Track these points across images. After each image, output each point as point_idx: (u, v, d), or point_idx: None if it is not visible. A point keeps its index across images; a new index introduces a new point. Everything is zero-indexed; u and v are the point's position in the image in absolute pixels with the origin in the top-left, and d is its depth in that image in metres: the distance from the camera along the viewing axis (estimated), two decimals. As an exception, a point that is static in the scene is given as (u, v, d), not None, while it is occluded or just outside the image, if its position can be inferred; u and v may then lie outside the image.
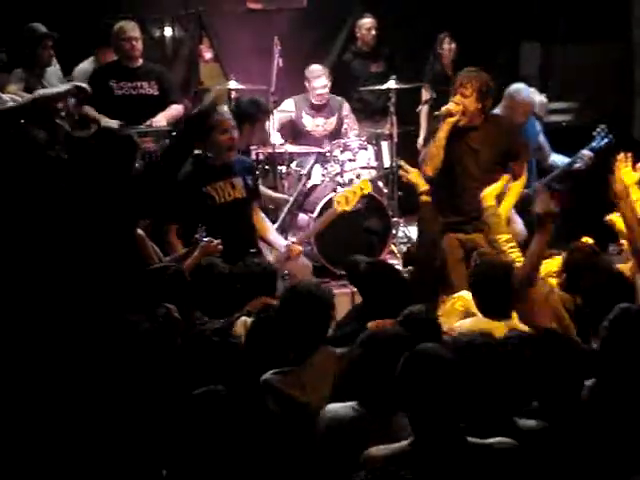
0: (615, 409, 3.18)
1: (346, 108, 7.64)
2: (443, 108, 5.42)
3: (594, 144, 6.56)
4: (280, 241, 5.64)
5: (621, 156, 4.69)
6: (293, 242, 5.63)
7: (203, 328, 3.81)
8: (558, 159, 6.77)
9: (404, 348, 3.00)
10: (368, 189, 5.78)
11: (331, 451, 3.15)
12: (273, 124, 7.05)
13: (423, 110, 8.09)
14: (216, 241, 4.89)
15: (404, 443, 2.91)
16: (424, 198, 4.85)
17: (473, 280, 4.34)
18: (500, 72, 8.43)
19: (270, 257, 5.45)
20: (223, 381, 3.17)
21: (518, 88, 6.50)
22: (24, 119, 5.45)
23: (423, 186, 4.86)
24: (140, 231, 4.84)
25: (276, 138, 7.10)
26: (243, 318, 4.13)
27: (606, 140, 6.52)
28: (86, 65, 7.14)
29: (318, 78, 7.45)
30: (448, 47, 8.11)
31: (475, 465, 2.85)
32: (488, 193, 4.87)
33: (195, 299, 4.30)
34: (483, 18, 8.50)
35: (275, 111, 7.13)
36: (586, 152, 6.60)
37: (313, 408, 3.35)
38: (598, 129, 6.57)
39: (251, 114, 6.29)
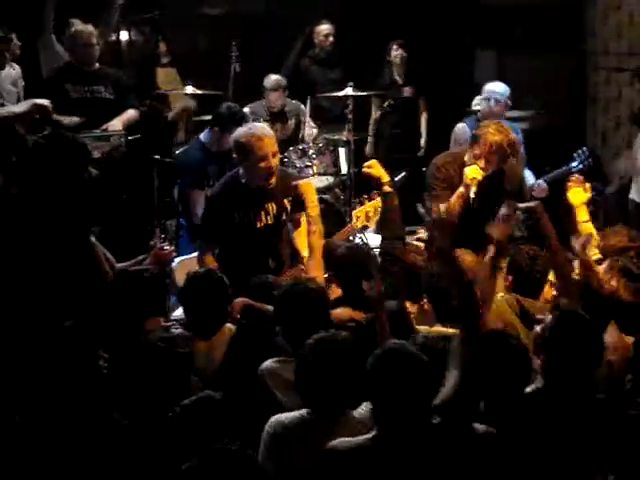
0: (559, 413, 3.24)
1: (303, 112, 7.65)
2: (468, 173, 5.22)
3: (573, 164, 6.39)
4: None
5: (574, 177, 4.79)
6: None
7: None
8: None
9: (350, 352, 3.21)
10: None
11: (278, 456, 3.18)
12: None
13: (372, 120, 8.18)
14: (168, 248, 4.81)
15: (367, 436, 3.00)
16: (387, 188, 4.85)
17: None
18: (455, 80, 8.58)
19: None
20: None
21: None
22: None
23: (386, 177, 4.86)
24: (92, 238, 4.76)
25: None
26: (227, 325, 4.14)
27: (585, 164, 6.21)
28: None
29: (274, 92, 7.49)
30: (396, 54, 8.15)
31: (441, 451, 2.95)
32: None
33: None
34: (439, 26, 8.56)
35: None
36: (541, 182, 6.34)
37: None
38: (580, 151, 6.28)
39: (223, 120, 6.18)
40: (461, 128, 6.52)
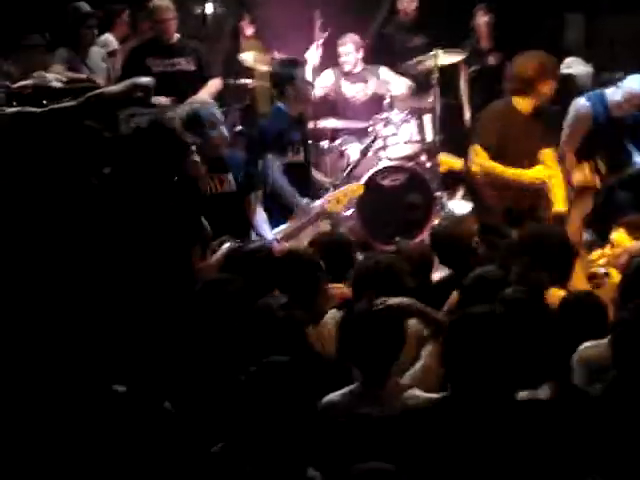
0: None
1: (384, 72, 7.58)
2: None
3: None
4: (267, 235, 5.53)
5: None
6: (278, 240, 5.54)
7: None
8: None
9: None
10: (361, 192, 6.05)
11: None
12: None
13: (462, 87, 8.06)
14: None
15: (439, 395, 3.04)
16: None
17: None
18: (544, 43, 8.38)
19: None
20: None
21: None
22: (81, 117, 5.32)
23: (458, 164, 4.88)
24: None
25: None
26: (332, 311, 3.99)
27: None
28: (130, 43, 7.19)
29: (343, 45, 7.46)
30: (482, 20, 8.00)
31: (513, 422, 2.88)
32: None
33: None
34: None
35: (315, 83, 7.10)
36: None
37: None
38: None
39: (289, 74, 6.13)
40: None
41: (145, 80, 5.64)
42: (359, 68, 7.53)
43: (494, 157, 5.54)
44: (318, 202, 5.83)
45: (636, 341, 3.03)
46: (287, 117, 6.15)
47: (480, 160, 5.56)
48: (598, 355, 3.30)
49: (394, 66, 7.83)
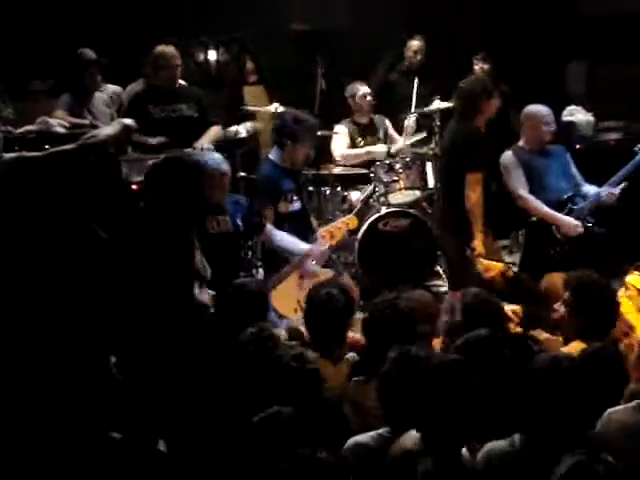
0: None
1: (388, 124, 7.64)
2: None
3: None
4: (297, 248, 5.65)
5: None
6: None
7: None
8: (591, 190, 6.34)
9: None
10: (354, 225, 5.94)
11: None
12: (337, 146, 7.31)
13: None
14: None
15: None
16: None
17: None
18: (545, 91, 8.42)
19: None
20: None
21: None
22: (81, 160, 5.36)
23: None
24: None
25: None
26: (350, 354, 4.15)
27: None
28: (135, 87, 7.21)
29: (362, 86, 7.52)
30: (480, 67, 8.06)
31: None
32: None
33: None
34: (530, 37, 8.42)
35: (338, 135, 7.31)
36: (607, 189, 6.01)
37: None
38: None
39: (293, 131, 6.02)
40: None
41: (129, 120, 5.75)
42: (368, 117, 7.59)
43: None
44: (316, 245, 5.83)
45: None
46: (277, 167, 6.04)
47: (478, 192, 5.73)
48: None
49: (396, 113, 7.87)
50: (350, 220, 5.78)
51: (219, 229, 5.40)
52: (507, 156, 6.11)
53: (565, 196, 5.98)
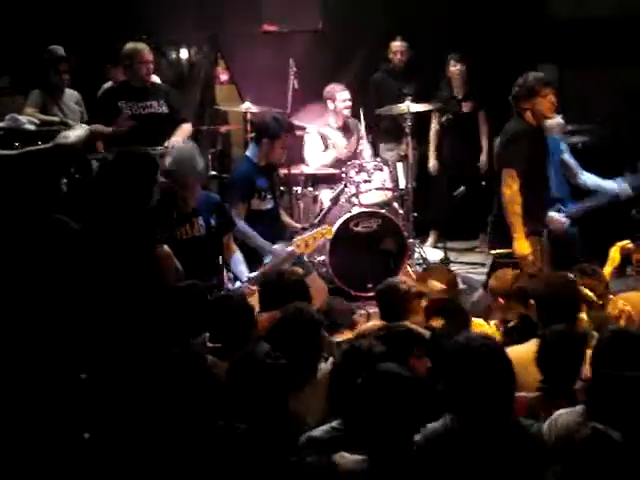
0: None
1: (361, 128, 7.67)
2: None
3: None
4: (242, 275, 5.52)
5: None
6: (250, 279, 5.45)
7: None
8: (589, 179, 6.39)
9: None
10: (330, 235, 6.01)
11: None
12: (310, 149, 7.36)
13: (431, 135, 8.16)
14: None
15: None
16: None
17: None
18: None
19: None
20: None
21: None
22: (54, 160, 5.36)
23: None
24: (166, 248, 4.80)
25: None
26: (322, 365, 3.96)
27: None
28: (107, 84, 7.18)
29: (343, 91, 7.52)
30: (455, 69, 8.10)
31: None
32: None
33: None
34: (502, 39, 8.47)
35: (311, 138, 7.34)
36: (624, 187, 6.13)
37: None
38: None
39: (270, 129, 6.16)
40: None
41: (97, 127, 5.76)
42: (343, 120, 7.60)
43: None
44: (288, 247, 5.83)
45: None
46: (253, 165, 6.18)
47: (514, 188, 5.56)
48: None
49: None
50: (326, 230, 5.84)
51: (192, 232, 5.41)
52: None
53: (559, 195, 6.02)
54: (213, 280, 5.42)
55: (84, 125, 6.11)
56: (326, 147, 7.57)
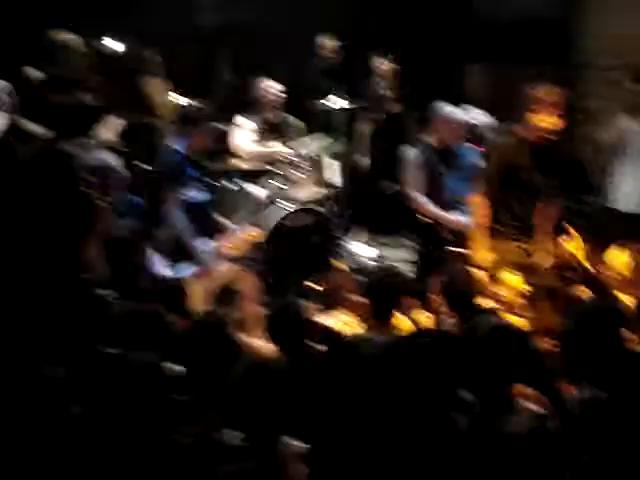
0: None
1: (295, 125, 7.61)
2: None
3: None
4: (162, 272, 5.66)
5: None
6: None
7: None
8: None
9: None
10: (260, 237, 6.18)
11: None
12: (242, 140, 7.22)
13: (362, 132, 8.18)
14: None
15: None
16: None
17: None
18: (444, 92, 8.56)
19: None
20: None
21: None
22: None
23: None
24: None
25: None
26: None
27: None
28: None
29: (270, 84, 7.43)
30: (383, 68, 8.14)
31: None
32: None
33: None
34: (429, 38, 8.55)
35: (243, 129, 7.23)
36: None
37: None
38: None
39: (196, 119, 6.24)
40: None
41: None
42: (279, 116, 7.48)
43: None
44: (216, 248, 5.82)
45: None
46: (182, 155, 6.16)
47: None
48: None
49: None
50: (256, 233, 5.86)
51: (118, 234, 5.37)
52: (411, 153, 6.16)
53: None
54: None
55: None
56: (260, 141, 7.49)
